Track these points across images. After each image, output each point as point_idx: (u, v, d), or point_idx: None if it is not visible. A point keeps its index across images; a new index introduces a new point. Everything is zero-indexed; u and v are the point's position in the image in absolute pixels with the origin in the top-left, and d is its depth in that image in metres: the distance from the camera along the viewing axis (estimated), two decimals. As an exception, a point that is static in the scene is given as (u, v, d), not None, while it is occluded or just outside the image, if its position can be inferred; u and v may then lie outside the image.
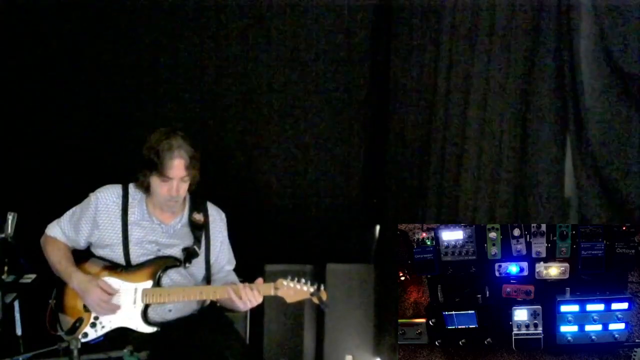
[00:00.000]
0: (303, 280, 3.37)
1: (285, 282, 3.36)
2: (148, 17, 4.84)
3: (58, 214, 3.56)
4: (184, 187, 3.40)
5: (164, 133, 3.39)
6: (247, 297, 3.30)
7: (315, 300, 3.34)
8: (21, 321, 3.63)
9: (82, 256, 3.50)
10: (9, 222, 3.28)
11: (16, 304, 3.59)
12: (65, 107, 4.76)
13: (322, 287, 3.37)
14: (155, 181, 3.37)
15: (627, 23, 3.29)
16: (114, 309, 3.35)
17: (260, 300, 3.34)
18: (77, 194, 3.57)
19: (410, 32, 4.58)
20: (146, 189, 3.43)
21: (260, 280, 3.38)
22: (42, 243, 3.54)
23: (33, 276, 3.63)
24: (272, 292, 3.37)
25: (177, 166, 3.33)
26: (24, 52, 4.72)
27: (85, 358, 2.80)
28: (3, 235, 3.26)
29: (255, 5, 4.91)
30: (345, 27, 4.94)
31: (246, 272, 3.63)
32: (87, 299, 3.35)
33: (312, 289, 3.35)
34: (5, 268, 3.40)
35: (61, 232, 3.51)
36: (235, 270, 3.71)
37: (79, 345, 2.70)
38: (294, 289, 3.36)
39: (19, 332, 3.61)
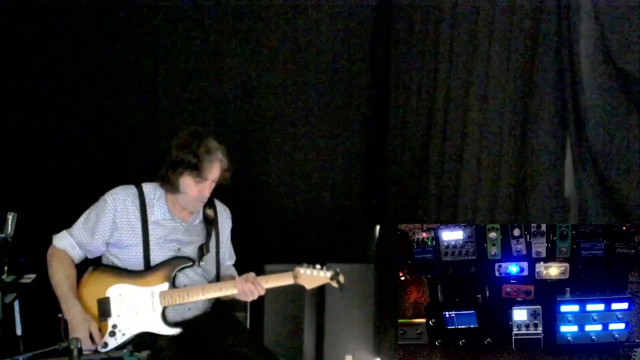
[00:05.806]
0: (318, 266, 3.46)
1: (302, 270, 3.44)
2: (148, 17, 4.84)
3: (58, 213, 3.55)
4: (212, 187, 3.42)
5: (198, 133, 3.39)
6: (250, 290, 3.36)
7: (335, 284, 3.47)
8: (21, 321, 3.63)
9: (91, 262, 3.44)
10: (9, 222, 3.27)
11: (16, 304, 3.59)
12: (64, 107, 4.76)
13: (337, 270, 3.49)
14: (187, 181, 3.35)
15: (627, 23, 3.28)
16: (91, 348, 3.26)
17: (262, 292, 3.40)
18: (76, 194, 3.56)
19: (410, 32, 4.58)
20: (173, 186, 3.37)
21: (252, 274, 3.42)
22: (49, 256, 3.42)
23: (33, 276, 3.61)
24: (291, 281, 3.44)
25: (216, 168, 3.36)
26: (24, 52, 4.71)
27: (85, 358, 2.80)
28: (3, 235, 3.25)
29: (255, 5, 4.91)
30: (345, 27, 4.95)
31: (246, 272, 3.62)
32: (73, 333, 3.25)
33: (329, 274, 3.46)
34: (5, 268, 3.38)
35: (72, 241, 3.39)
36: (236, 269, 3.72)
37: (79, 345, 2.69)
38: (312, 276, 3.45)
39: (19, 332, 3.61)
